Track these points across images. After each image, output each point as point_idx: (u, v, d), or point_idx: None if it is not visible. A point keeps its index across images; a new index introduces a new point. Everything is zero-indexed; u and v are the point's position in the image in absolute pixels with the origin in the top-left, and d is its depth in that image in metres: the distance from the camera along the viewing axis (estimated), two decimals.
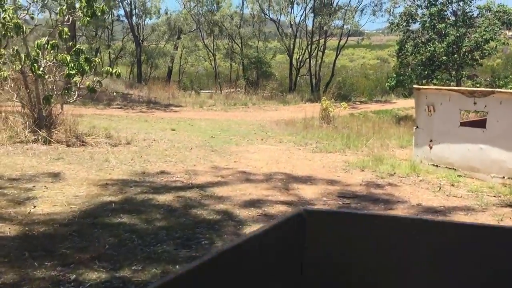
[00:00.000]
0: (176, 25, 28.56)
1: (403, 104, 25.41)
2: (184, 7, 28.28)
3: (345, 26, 28.06)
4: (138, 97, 22.81)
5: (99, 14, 7.86)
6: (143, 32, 29.72)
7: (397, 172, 7.49)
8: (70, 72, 7.70)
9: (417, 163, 8.01)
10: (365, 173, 7.49)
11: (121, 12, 29.12)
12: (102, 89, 22.08)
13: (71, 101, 8.71)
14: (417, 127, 8.40)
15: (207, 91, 27.61)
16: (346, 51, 44.71)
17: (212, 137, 11.19)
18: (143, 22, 29.64)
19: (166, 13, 29.08)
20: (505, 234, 1.21)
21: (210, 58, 29.53)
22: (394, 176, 7.33)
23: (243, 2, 29.32)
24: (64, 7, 7.89)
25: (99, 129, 10.72)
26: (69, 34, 8.38)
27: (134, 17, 28.62)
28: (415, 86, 8.98)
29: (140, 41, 28.74)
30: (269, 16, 28.71)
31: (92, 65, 8.28)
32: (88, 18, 7.74)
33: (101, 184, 5.97)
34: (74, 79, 8.39)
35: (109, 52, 29.61)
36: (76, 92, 8.75)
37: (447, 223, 1.33)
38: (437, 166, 7.96)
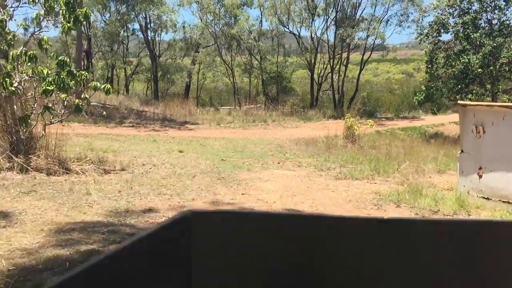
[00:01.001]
0: (193, 39, 27.58)
1: (432, 121, 23.90)
2: (201, 21, 27.32)
3: (369, 38, 26.70)
4: (153, 114, 21.83)
5: (82, 19, 6.68)
6: (159, 47, 28.85)
7: (441, 209, 6.06)
8: (47, 88, 6.49)
9: (464, 196, 6.57)
10: (401, 210, 6.07)
11: (136, 26, 28.32)
12: (114, 106, 21.40)
13: (55, 122, 7.50)
14: (462, 151, 6.98)
15: (227, 107, 26.53)
16: (370, 66, 43.42)
17: (222, 160, 9.92)
18: (159, 37, 28.80)
19: (184, 27, 28.18)
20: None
21: (229, 73, 28.47)
22: (438, 214, 5.90)
23: (261, 15, 28.24)
24: (42, 12, 6.75)
25: (97, 151, 9.56)
26: (50, 43, 7.24)
27: (149, 32, 27.78)
28: (460, 102, 7.55)
29: (156, 56, 27.85)
30: (288, 29, 27.54)
31: (78, 80, 7.10)
32: (69, 25, 6.56)
33: (65, 230, 4.70)
34: (62, 95, 7.26)
35: (125, 68, 28.77)
36: (62, 110, 7.57)
37: (321, 217, 1.31)
38: (488, 199, 6.53)
